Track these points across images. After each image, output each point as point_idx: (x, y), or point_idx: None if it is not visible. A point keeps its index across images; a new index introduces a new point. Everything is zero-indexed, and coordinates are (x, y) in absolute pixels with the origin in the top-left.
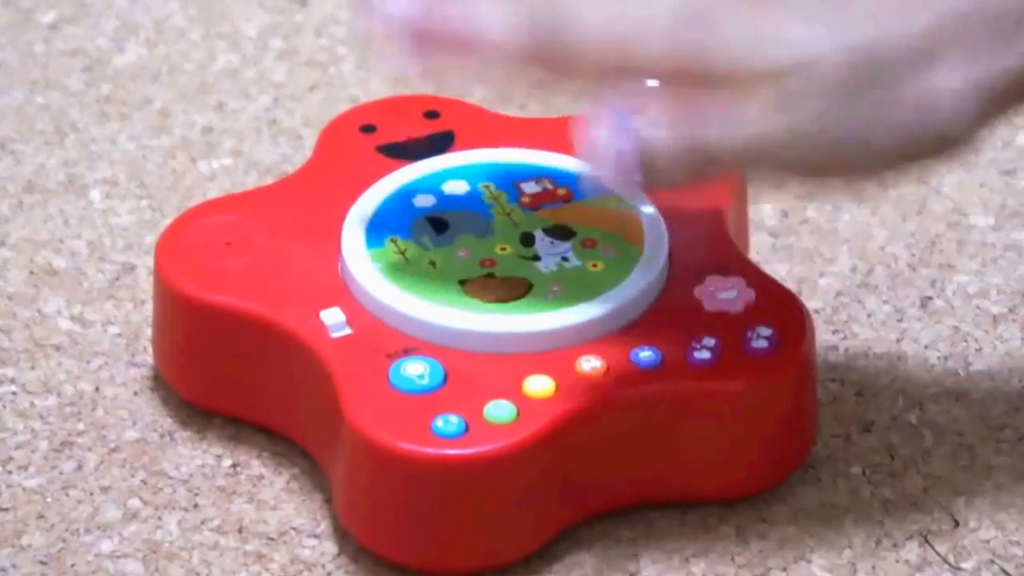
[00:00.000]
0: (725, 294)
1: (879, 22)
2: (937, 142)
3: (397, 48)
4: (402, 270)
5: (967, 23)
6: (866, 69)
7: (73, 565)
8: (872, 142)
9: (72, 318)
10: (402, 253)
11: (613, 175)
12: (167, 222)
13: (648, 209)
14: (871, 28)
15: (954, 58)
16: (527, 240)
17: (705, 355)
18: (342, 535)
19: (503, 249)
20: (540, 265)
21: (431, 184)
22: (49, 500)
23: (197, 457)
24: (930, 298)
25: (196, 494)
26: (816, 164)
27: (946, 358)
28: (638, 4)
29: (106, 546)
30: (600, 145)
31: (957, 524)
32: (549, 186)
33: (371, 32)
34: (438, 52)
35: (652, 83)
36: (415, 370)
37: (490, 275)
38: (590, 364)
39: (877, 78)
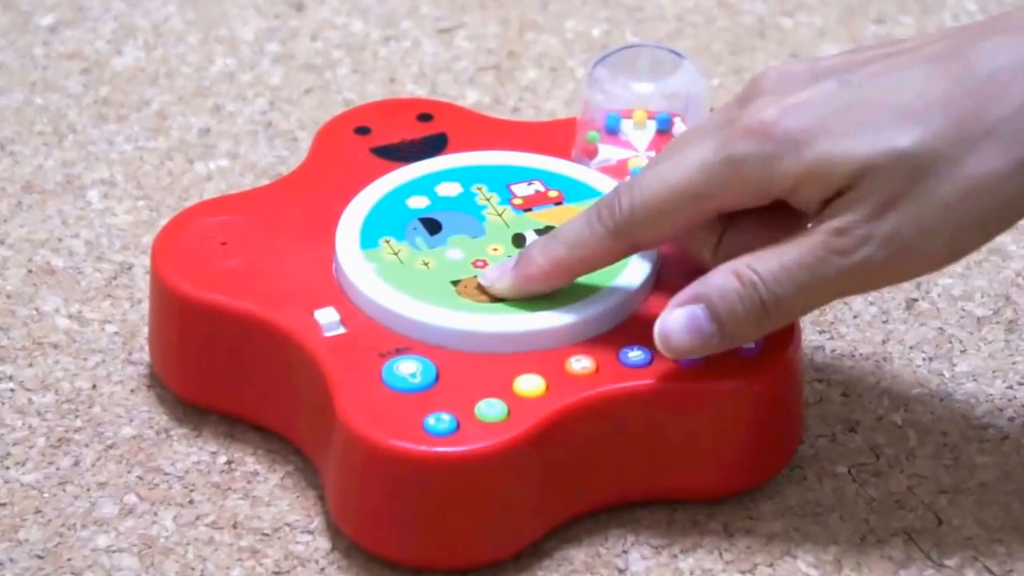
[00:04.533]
0: None
1: (915, 119)
2: (993, 223)
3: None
4: (395, 270)
5: (1011, 100)
6: (914, 174)
7: (70, 559)
8: (928, 243)
9: (70, 316)
10: (395, 253)
11: (691, 344)
12: (164, 222)
13: None
14: (909, 130)
15: (994, 137)
16: (519, 241)
17: None
18: (335, 531)
19: (495, 250)
20: None
21: (424, 186)
22: (46, 495)
23: (192, 454)
24: (915, 300)
25: (191, 490)
26: (877, 280)
27: (931, 359)
28: (688, 162)
29: (102, 541)
30: (674, 316)
31: (941, 522)
32: (540, 188)
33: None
34: (550, 288)
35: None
36: (408, 369)
37: None
38: (580, 364)
39: (925, 180)
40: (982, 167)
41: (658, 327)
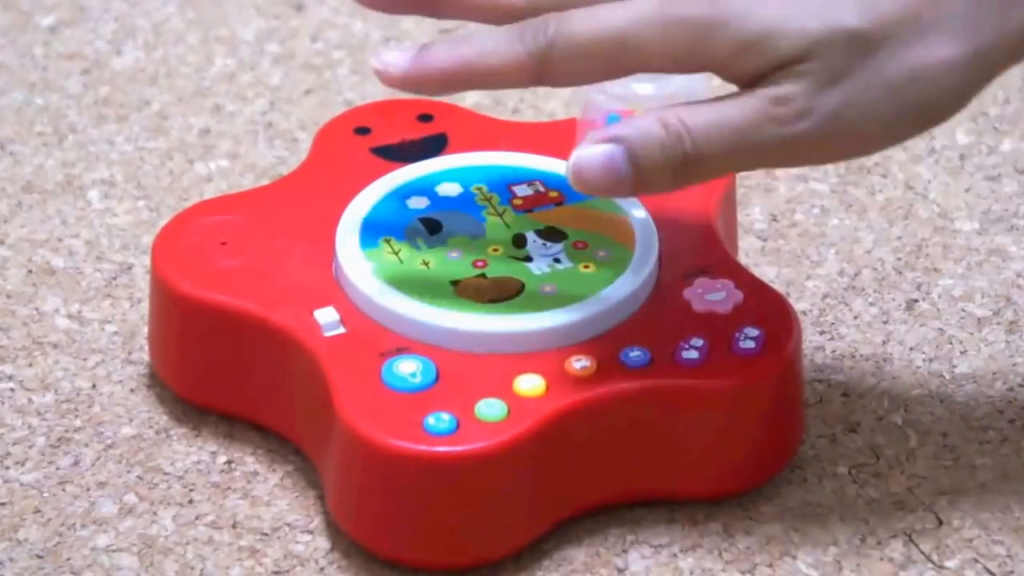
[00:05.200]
0: (714, 295)
1: (859, 6)
2: (931, 114)
3: (403, 87)
4: (395, 270)
5: (951, 2)
6: (860, 52)
7: (69, 559)
8: (867, 124)
9: (70, 316)
10: (396, 253)
11: (602, 180)
12: (164, 222)
13: (639, 212)
14: (859, 9)
15: (946, 28)
16: (519, 242)
17: (693, 355)
18: (335, 531)
19: (495, 250)
20: (532, 266)
21: (425, 186)
22: (46, 495)
23: (192, 454)
24: (916, 301)
25: (191, 490)
26: (807, 155)
27: (931, 360)
28: (626, 11)
29: (102, 540)
30: (590, 152)
31: (941, 523)
32: (541, 189)
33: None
34: (443, 88)
35: (642, 89)
36: (407, 368)
37: (482, 276)
38: (580, 364)
39: (870, 59)
40: (930, 54)
41: (572, 159)
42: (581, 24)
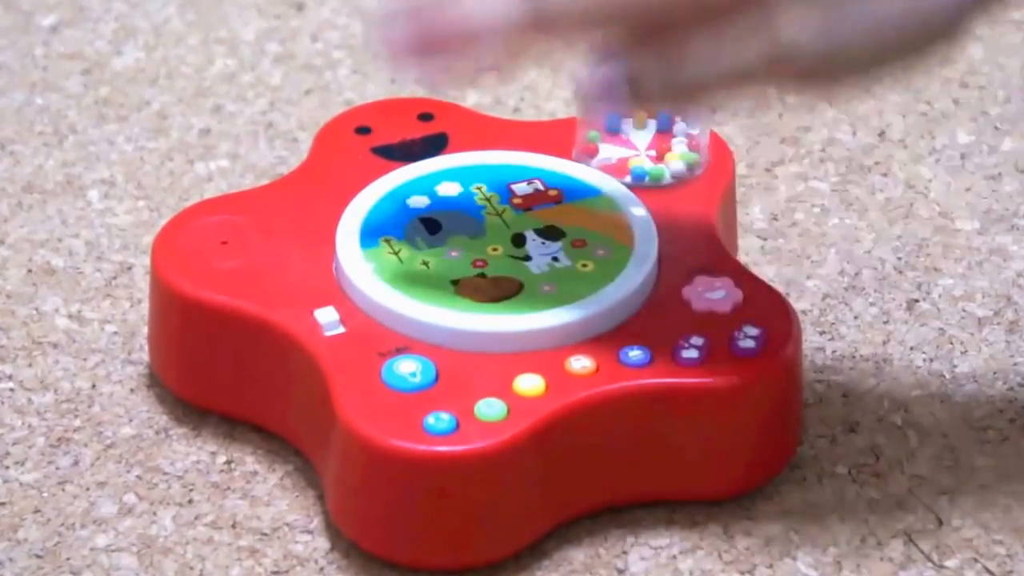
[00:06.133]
0: (713, 294)
1: None
2: (925, 37)
3: (399, 62)
4: (395, 270)
5: None
6: None
7: (68, 559)
8: (858, 46)
9: (70, 316)
10: (395, 253)
11: (601, 96)
12: (164, 223)
13: (638, 210)
14: None
15: None
16: (518, 241)
17: (693, 354)
18: (334, 531)
19: (495, 250)
20: (531, 265)
21: (424, 185)
22: (45, 495)
23: (192, 454)
24: (916, 301)
25: (191, 490)
26: (801, 78)
27: (931, 360)
28: None
29: (101, 540)
30: (588, 70)
31: (941, 523)
32: (540, 187)
33: (374, 49)
34: (438, 56)
35: None
36: (407, 368)
37: (482, 275)
38: (580, 363)
39: None
40: None
41: (577, 76)
42: None
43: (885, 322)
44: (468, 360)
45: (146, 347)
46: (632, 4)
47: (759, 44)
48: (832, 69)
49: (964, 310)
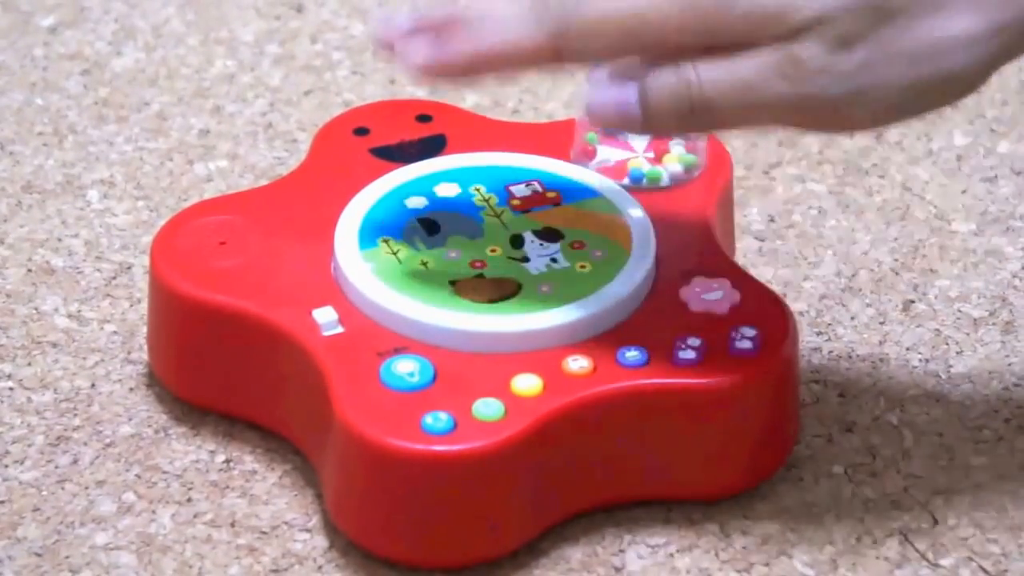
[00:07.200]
0: (711, 295)
1: None
2: (948, 89)
3: (412, 78)
4: (394, 270)
5: None
6: (876, 19)
7: (68, 557)
8: (881, 91)
9: (69, 316)
10: (394, 254)
11: (613, 117)
12: (163, 223)
13: (636, 212)
14: None
15: (966, 4)
16: (517, 242)
17: (690, 355)
18: (333, 529)
19: (493, 251)
20: (529, 266)
21: (423, 186)
22: (45, 493)
23: (191, 452)
24: (912, 302)
25: (189, 488)
26: (818, 117)
27: (927, 360)
28: None
29: (100, 539)
30: (602, 88)
31: (936, 522)
32: (539, 189)
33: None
34: (464, 77)
35: None
36: (405, 368)
37: (480, 276)
38: (577, 363)
39: (887, 27)
40: (949, 26)
41: (588, 92)
42: (597, 1)
43: (881, 323)
44: (466, 360)
45: (145, 347)
46: (650, 33)
47: (780, 83)
48: (851, 114)
49: (960, 311)
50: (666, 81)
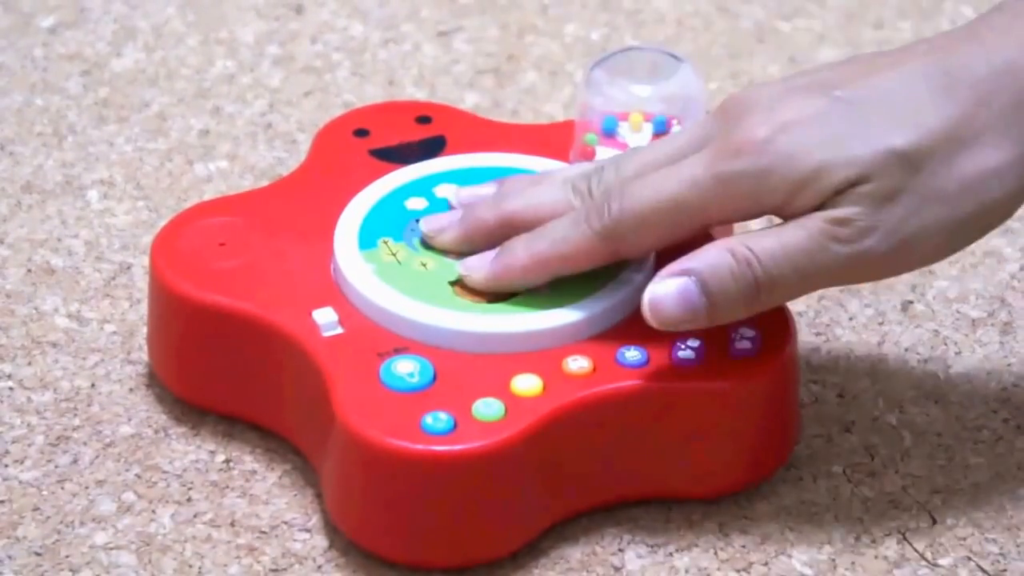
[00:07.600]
0: None
1: (906, 123)
2: (990, 219)
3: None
4: (393, 271)
5: (998, 103)
6: (909, 168)
7: (68, 556)
8: (930, 235)
9: (69, 316)
10: (394, 254)
11: (679, 315)
12: (163, 223)
13: None
14: (903, 129)
15: (992, 135)
16: None
17: (690, 355)
18: (333, 529)
19: None
20: None
21: (423, 187)
22: (45, 493)
23: (191, 452)
24: (911, 302)
25: (189, 488)
26: (875, 271)
27: (926, 361)
28: (678, 175)
29: (100, 538)
30: (664, 287)
31: (935, 522)
32: None
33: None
34: (524, 283)
35: (640, 91)
36: (405, 368)
37: None
38: (577, 363)
39: (922, 174)
40: (979, 162)
41: (648, 296)
42: (639, 197)
43: (880, 323)
44: (466, 360)
45: (145, 347)
46: (695, 217)
47: (835, 246)
48: (904, 260)
49: (958, 311)
50: (724, 264)
